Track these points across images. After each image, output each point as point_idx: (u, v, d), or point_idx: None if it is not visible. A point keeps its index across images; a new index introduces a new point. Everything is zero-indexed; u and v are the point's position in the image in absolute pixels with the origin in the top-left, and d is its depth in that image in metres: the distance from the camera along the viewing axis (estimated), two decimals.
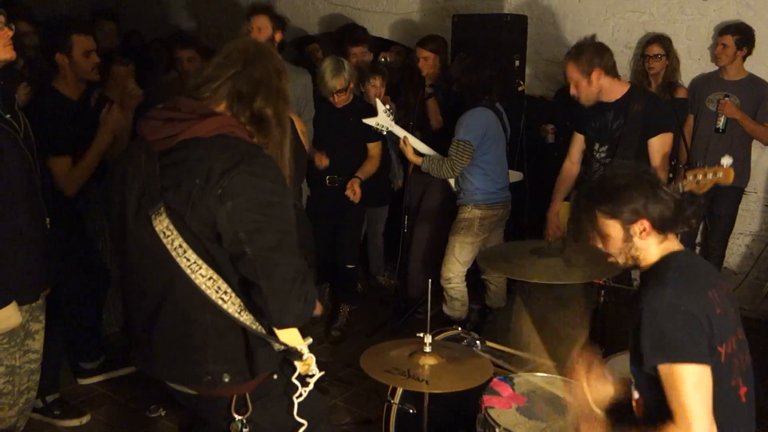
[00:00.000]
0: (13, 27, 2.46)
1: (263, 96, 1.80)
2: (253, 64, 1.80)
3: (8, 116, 2.47)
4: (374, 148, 4.37)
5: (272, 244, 1.68)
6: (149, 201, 1.71)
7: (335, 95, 4.15)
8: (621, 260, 2.05)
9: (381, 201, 4.93)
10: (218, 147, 1.70)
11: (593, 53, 3.44)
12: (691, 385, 1.81)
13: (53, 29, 3.39)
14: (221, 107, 1.79)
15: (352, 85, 4.25)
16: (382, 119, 4.13)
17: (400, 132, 4.18)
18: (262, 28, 3.94)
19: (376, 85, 4.53)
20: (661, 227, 1.98)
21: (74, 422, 3.43)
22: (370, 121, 4.15)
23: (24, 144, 2.52)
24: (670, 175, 4.23)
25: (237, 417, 1.84)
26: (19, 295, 2.48)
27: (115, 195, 1.82)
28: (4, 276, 2.39)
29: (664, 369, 1.84)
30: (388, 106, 4.14)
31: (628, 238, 1.99)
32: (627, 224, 1.97)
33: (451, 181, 4.24)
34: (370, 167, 4.34)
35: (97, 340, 3.85)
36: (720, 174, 3.15)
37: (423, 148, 4.21)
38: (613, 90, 3.51)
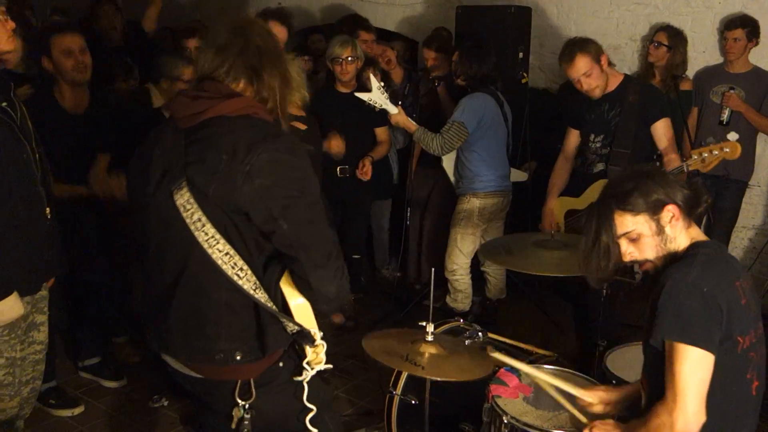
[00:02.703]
0: (8, 18, 2.40)
1: (270, 64, 1.84)
2: (249, 35, 1.84)
3: (4, 104, 2.43)
4: (382, 133, 4.37)
5: (306, 217, 1.74)
6: (172, 176, 1.76)
7: (343, 64, 4.09)
8: (658, 261, 1.99)
9: (384, 193, 4.91)
10: (242, 125, 1.76)
11: (592, 42, 3.53)
12: (690, 367, 1.81)
13: (37, 35, 3.31)
14: (240, 86, 1.84)
15: (359, 65, 4.22)
16: (376, 96, 4.04)
17: (392, 109, 4.09)
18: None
19: (368, 76, 4.56)
20: (687, 209, 1.97)
21: (66, 412, 3.44)
22: (363, 96, 4.06)
23: (21, 132, 2.47)
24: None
25: (240, 402, 1.85)
26: (20, 285, 2.46)
27: (139, 174, 1.87)
28: (3, 267, 2.36)
29: (668, 345, 1.85)
30: (382, 83, 4.09)
31: (659, 230, 1.96)
32: (655, 215, 1.95)
33: (449, 173, 4.21)
34: (382, 150, 4.35)
35: (97, 337, 3.83)
36: (726, 149, 3.10)
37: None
38: (609, 80, 3.57)
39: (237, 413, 1.86)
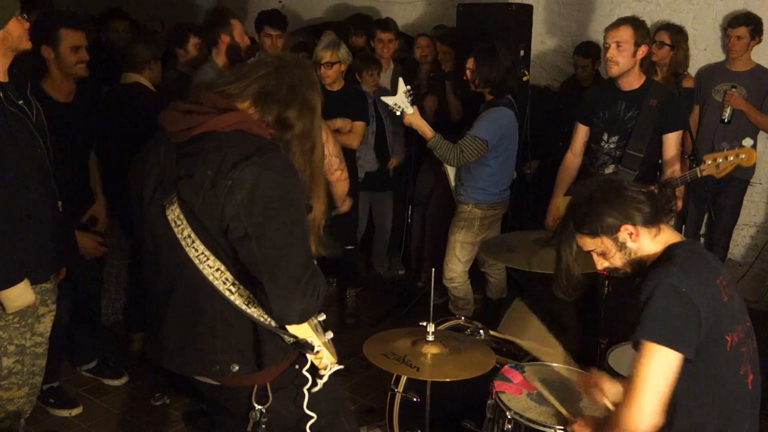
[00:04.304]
0: (26, 17, 2.49)
1: (289, 100, 1.81)
2: (285, 69, 1.82)
3: (21, 102, 2.52)
4: (357, 125, 4.32)
5: (278, 240, 1.67)
6: (164, 190, 1.74)
7: (322, 67, 4.12)
8: (628, 269, 2.04)
9: (382, 186, 4.87)
10: (233, 140, 1.71)
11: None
12: (655, 365, 1.82)
13: (43, 22, 3.30)
14: (245, 105, 1.80)
15: (343, 68, 4.23)
16: (401, 100, 3.96)
17: (409, 109, 3.96)
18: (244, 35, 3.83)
19: (373, 74, 4.59)
20: (646, 222, 1.98)
21: (64, 412, 3.44)
22: (388, 100, 4.00)
23: (36, 129, 2.56)
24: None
25: (257, 406, 1.85)
26: (31, 273, 2.52)
27: (134, 184, 1.85)
28: (16, 254, 2.43)
29: (642, 344, 1.85)
30: (408, 88, 4.06)
31: (621, 246, 2.00)
32: (613, 235, 1.98)
33: (450, 177, 4.19)
34: (345, 137, 4.26)
35: (94, 341, 3.80)
36: (743, 156, 3.08)
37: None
38: (633, 78, 3.47)
39: (253, 416, 1.85)
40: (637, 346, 1.87)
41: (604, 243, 2.00)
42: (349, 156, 4.27)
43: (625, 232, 1.97)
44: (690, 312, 1.83)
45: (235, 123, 1.73)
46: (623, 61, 3.39)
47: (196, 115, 1.74)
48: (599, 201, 1.99)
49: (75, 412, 3.47)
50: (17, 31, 2.43)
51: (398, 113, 4.00)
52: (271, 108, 1.80)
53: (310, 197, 1.87)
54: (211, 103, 1.76)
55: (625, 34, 3.36)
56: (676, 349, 1.82)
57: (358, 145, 4.41)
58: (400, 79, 4.03)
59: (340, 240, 4.41)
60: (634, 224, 1.97)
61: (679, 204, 3.37)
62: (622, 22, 3.44)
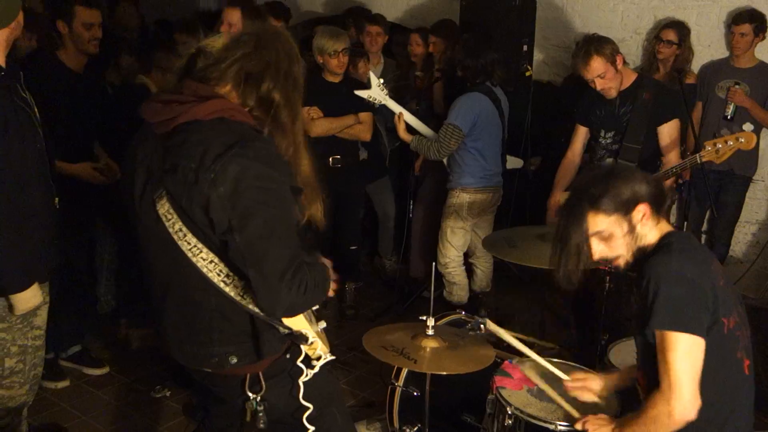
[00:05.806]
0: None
1: (271, 78, 1.75)
2: (264, 46, 1.76)
3: (24, 94, 2.48)
4: (364, 116, 4.30)
5: (262, 232, 1.64)
6: (153, 184, 1.72)
7: (339, 56, 4.06)
8: (629, 256, 2.03)
9: (378, 174, 4.87)
10: (216, 130, 1.67)
11: (608, 41, 3.48)
12: (682, 353, 1.84)
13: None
14: (227, 89, 1.75)
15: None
16: (376, 93, 4.07)
17: (395, 107, 4.12)
18: (233, 23, 3.87)
19: (366, 64, 4.61)
20: (656, 205, 2.00)
21: (50, 385, 3.51)
22: (362, 93, 4.10)
23: (37, 122, 2.52)
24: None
25: (251, 395, 1.85)
26: (37, 274, 2.49)
27: (127, 177, 1.83)
28: (24, 257, 2.40)
29: (659, 335, 1.87)
30: (382, 80, 4.08)
31: (630, 229, 1.98)
32: (626, 214, 1.97)
33: (445, 161, 4.21)
34: (355, 128, 4.25)
35: (77, 326, 3.77)
36: (742, 139, 3.10)
37: (418, 125, 4.16)
38: (624, 78, 3.56)
39: (250, 407, 1.85)
40: (652, 338, 1.89)
41: (617, 222, 1.97)
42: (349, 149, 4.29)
43: (639, 213, 1.97)
44: (701, 295, 1.86)
45: (216, 111, 1.69)
46: (614, 83, 3.51)
47: (176, 105, 1.70)
48: (617, 178, 1.98)
49: (61, 385, 3.54)
50: (22, 20, 2.44)
51: (377, 105, 4.14)
52: (251, 90, 1.75)
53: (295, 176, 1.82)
54: (192, 91, 1.72)
55: (598, 64, 3.43)
56: (695, 334, 1.84)
57: (370, 137, 4.40)
58: (371, 73, 4.14)
59: (345, 240, 4.42)
60: (649, 204, 1.97)
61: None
62: (587, 56, 3.42)
